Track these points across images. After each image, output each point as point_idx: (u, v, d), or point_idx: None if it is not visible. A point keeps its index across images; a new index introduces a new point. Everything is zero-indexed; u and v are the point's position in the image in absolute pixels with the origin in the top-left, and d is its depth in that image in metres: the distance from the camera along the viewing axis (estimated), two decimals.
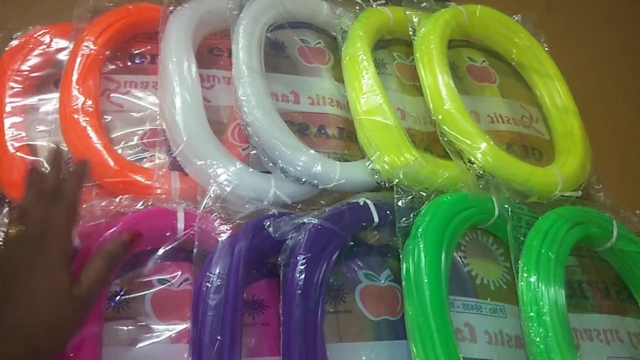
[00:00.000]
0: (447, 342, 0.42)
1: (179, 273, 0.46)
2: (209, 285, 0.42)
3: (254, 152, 0.51)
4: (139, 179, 0.49)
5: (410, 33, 0.61)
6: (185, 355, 0.42)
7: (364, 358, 0.44)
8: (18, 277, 0.36)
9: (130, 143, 0.53)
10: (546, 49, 0.68)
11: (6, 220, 0.49)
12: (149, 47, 0.59)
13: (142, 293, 0.45)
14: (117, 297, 0.44)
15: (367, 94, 0.54)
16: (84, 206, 0.48)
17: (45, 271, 0.36)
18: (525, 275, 0.47)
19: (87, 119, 0.50)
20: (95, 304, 0.41)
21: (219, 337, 0.40)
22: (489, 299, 0.49)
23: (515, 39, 0.65)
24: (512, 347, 0.47)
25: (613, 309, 0.52)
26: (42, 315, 0.35)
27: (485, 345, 0.46)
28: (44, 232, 0.38)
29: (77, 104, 0.51)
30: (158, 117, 0.53)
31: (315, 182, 0.51)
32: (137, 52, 0.59)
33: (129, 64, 0.58)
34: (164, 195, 0.49)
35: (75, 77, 0.52)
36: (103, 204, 0.48)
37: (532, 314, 0.45)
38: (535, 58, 0.65)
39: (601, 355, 0.48)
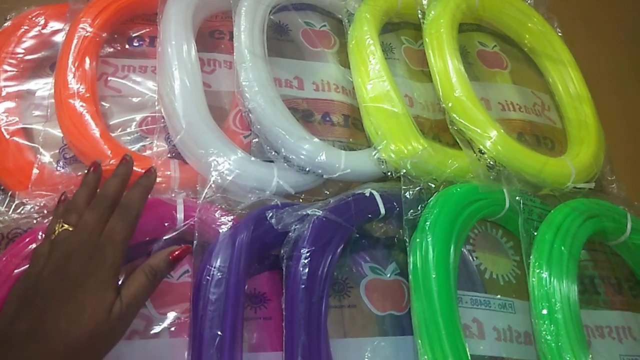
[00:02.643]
0: (454, 338, 0.40)
1: (180, 265, 0.45)
2: (209, 278, 0.41)
3: (257, 140, 0.49)
4: (138, 167, 0.47)
5: (420, 16, 0.59)
6: (185, 349, 0.41)
7: (368, 354, 0.43)
8: (67, 290, 0.34)
9: (129, 130, 0.51)
10: (559, 34, 0.66)
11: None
12: (147, 30, 0.57)
13: None
14: None
15: (374, 80, 0.52)
16: None
17: (95, 285, 0.35)
18: (537, 270, 0.45)
19: (84, 104, 0.48)
20: None
21: (219, 333, 0.38)
22: (498, 294, 0.47)
23: (528, 23, 0.63)
24: (522, 344, 0.46)
25: (626, 305, 0.50)
26: (83, 329, 0.33)
27: (494, 342, 0.45)
28: (101, 243, 0.36)
29: (73, 89, 0.49)
30: (157, 103, 0.51)
31: (320, 171, 0.49)
32: (135, 34, 0.57)
33: (127, 47, 0.56)
34: (163, 185, 0.47)
35: (71, 60, 0.50)
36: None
37: (544, 311, 0.43)
38: (548, 43, 0.63)
39: (613, 353, 0.47)
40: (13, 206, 0.47)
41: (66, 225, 0.37)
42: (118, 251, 0.36)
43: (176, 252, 0.38)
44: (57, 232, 0.37)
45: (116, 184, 0.40)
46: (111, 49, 0.55)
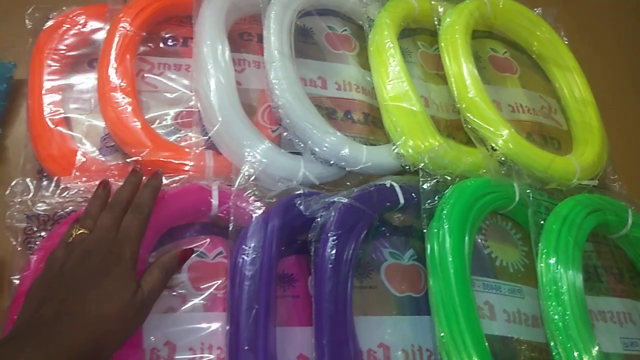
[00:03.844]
0: (470, 316, 0.44)
1: (214, 246, 0.48)
2: (245, 257, 0.44)
3: (286, 134, 0.53)
4: (175, 157, 0.51)
5: (435, 23, 0.63)
6: (219, 322, 0.44)
7: (389, 331, 0.46)
8: (92, 278, 0.38)
9: (165, 123, 0.55)
10: (565, 42, 0.70)
11: (44, 193, 0.51)
12: (180, 31, 0.61)
13: None
14: None
15: (394, 81, 0.56)
16: (119, 183, 0.50)
17: (117, 276, 0.38)
18: (545, 257, 0.49)
19: (125, 97, 0.52)
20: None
21: (256, 306, 0.42)
22: (507, 280, 0.51)
23: (536, 31, 0.67)
24: (530, 326, 0.49)
25: (626, 293, 0.54)
26: (112, 311, 0.37)
27: (504, 323, 0.48)
28: (118, 239, 0.40)
29: (115, 83, 0.53)
30: (193, 97, 0.54)
31: (343, 164, 0.53)
32: (169, 35, 0.61)
33: (162, 46, 0.60)
34: (198, 173, 0.51)
35: (113, 56, 0.54)
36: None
37: (551, 293, 0.47)
38: (555, 51, 0.67)
39: (614, 336, 0.50)
40: (58, 191, 0.51)
41: (83, 230, 0.41)
42: (134, 246, 0.40)
43: (182, 252, 0.43)
44: (74, 235, 0.41)
45: (128, 190, 0.44)
46: (146, 48, 0.59)
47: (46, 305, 0.36)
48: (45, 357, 0.33)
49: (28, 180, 0.51)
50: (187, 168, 0.51)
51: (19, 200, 0.49)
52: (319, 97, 0.58)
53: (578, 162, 0.57)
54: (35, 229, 0.49)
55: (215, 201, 0.49)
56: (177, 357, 0.43)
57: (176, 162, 0.51)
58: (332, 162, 0.53)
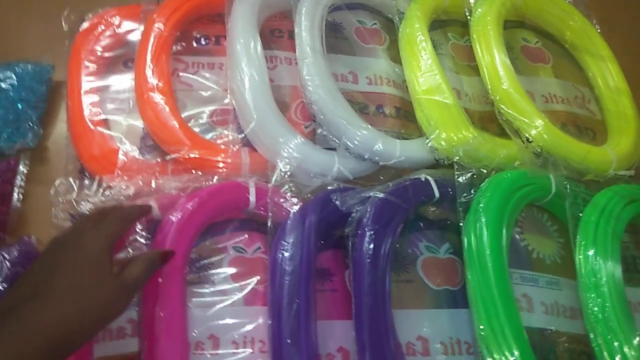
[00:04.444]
0: (509, 309, 0.44)
1: (252, 242, 0.49)
2: (284, 253, 0.45)
3: (320, 130, 0.53)
4: (212, 154, 0.52)
5: (466, 14, 0.62)
6: (259, 316, 0.45)
7: (426, 324, 0.47)
8: (66, 262, 0.38)
9: (200, 121, 0.56)
10: (598, 30, 0.68)
11: (87, 192, 0.52)
12: (212, 29, 0.62)
13: (219, 259, 0.48)
14: (198, 263, 0.47)
15: (426, 74, 0.56)
16: (160, 181, 0.51)
17: (91, 264, 0.38)
18: (583, 249, 0.49)
19: (163, 97, 0.53)
20: (178, 270, 0.45)
21: (296, 300, 0.43)
22: (544, 273, 0.51)
23: (569, 20, 0.66)
24: (568, 318, 0.49)
25: None
26: (89, 293, 0.37)
27: (542, 315, 0.48)
28: (90, 234, 0.40)
29: (152, 83, 0.54)
30: (228, 95, 0.55)
31: (377, 158, 0.53)
32: (201, 34, 0.62)
33: (195, 45, 0.61)
34: (234, 171, 0.52)
35: (149, 57, 0.55)
36: (180, 178, 0.51)
37: (590, 285, 0.46)
38: (588, 39, 0.66)
39: None
40: (100, 189, 0.52)
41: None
42: (104, 241, 0.39)
43: (164, 253, 0.43)
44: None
45: (125, 209, 0.45)
46: (179, 47, 0.60)
47: (24, 286, 0.37)
48: (20, 335, 0.33)
49: (71, 179, 0.53)
50: (223, 165, 0.52)
51: (64, 199, 0.51)
52: (351, 92, 0.58)
53: (614, 152, 0.57)
54: None
55: (252, 198, 0.50)
56: (220, 350, 0.44)
57: (213, 159, 0.52)
58: (366, 156, 0.53)
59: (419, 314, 0.48)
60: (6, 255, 0.47)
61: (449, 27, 0.65)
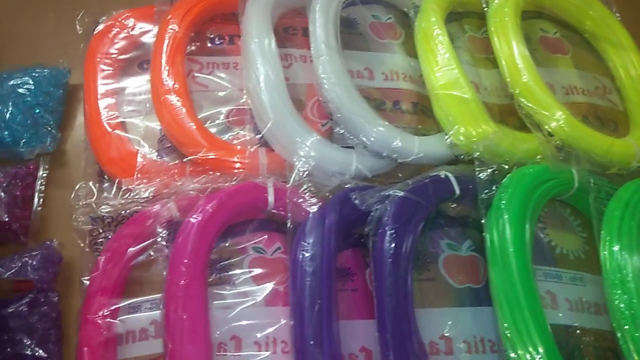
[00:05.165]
0: (534, 307, 0.43)
1: (271, 242, 0.49)
2: (305, 253, 0.45)
3: (338, 128, 0.53)
4: (230, 155, 0.52)
5: (483, 5, 0.61)
6: (280, 316, 0.45)
7: (449, 322, 0.47)
8: None
9: (217, 121, 0.56)
10: (618, 17, 0.67)
11: (107, 195, 0.53)
12: (226, 29, 0.62)
13: (240, 260, 0.48)
14: (218, 264, 0.47)
15: (443, 68, 0.55)
16: (179, 182, 0.51)
17: None
18: (608, 244, 0.48)
19: (179, 99, 0.53)
20: (200, 271, 0.45)
21: (318, 301, 0.43)
22: (568, 268, 0.50)
23: (588, 9, 0.64)
24: (592, 314, 0.48)
25: None
26: None
27: (567, 312, 0.48)
28: None
29: (169, 85, 0.54)
30: (245, 96, 0.55)
31: (395, 156, 0.53)
32: (214, 34, 0.61)
33: (209, 45, 0.61)
34: (252, 171, 0.52)
35: (164, 59, 0.55)
36: (198, 179, 0.51)
37: (616, 281, 0.46)
38: (608, 29, 0.64)
39: None
40: (120, 192, 0.52)
41: None
42: None
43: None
44: None
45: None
46: (193, 47, 0.60)
47: None
48: None
49: (91, 183, 0.53)
50: (241, 166, 0.52)
51: (84, 203, 0.51)
52: (367, 88, 0.58)
53: (638, 144, 0.55)
54: (100, 230, 0.51)
55: (271, 198, 0.49)
56: (243, 352, 0.44)
57: (231, 160, 0.52)
58: (384, 154, 0.53)
59: (442, 312, 0.47)
60: (30, 261, 0.47)
61: (465, 20, 0.64)
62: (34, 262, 0.48)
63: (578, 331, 0.47)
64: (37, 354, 0.45)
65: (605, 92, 0.63)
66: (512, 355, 0.42)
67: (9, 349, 0.45)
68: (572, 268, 0.50)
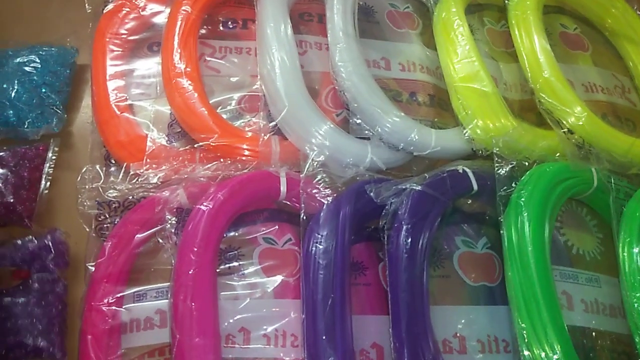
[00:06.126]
0: (552, 307, 0.42)
1: (282, 233, 0.48)
2: (318, 245, 0.44)
3: (354, 119, 0.52)
4: (242, 142, 0.50)
5: None
6: (290, 309, 0.44)
7: (463, 321, 0.46)
8: None
9: (229, 107, 0.54)
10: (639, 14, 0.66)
11: (114, 179, 0.51)
12: (239, 12, 0.60)
13: (249, 250, 0.47)
14: (228, 254, 0.46)
15: (463, 60, 0.54)
16: (189, 169, 0.50)
17: None
18: (628, 246, 0.47)
19: (191, 82, 0.51)
20: (209, 261, 0.44)
21: (331, 295, 0.41)
22: (584, 269, 0.49)
23: (610, 7, 0.63)
24: (607, 316, 0.48)
25: None
26: None
27: (582, 313, 0.47)
28: None
29: (180, 68, 0.52)
30: (258, 82, 0.53)
31: (411, 149, 0.51)
32: (227, 17, 0.60)
33: (222, 29, 0.59)
34: (264, 159, 0.50)
35: (176, 41, 0.53)
36: (208, 166, 0.49)
37: (635, 284, 0.45)
38: (629, 27, 0.63)
39: None
40: (128, 177, 0.51)
41: None
42: None
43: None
44: None
45: None
46: (205, 31, 0.58)
47: None
48: None
49: (97, 167, 0.52)
50: (253, 154, 0.50)
51: (90, 186, 0.50)
52: (384, 79, 0.56)
53: None
54: (106, 215, 0.49)
55: (283, 187, 0.48)
56: (251, 345, 0.43)
57: (243, 147, 0.50)
58: (400, 146, 0.51)
59: (456, 310, 0.46)
60: (38, 251, 0.46)
61: (485, 12, 0.63)
62: (42, 252, 0.46)
63: (594, 333, 0.46)
64: (39, 344, 0.44)
65: (624, 91, 0.62)
66: (529, 356, 0.41)
67: (11, 337, 0.43)
68: (588, 269, 0.49)
